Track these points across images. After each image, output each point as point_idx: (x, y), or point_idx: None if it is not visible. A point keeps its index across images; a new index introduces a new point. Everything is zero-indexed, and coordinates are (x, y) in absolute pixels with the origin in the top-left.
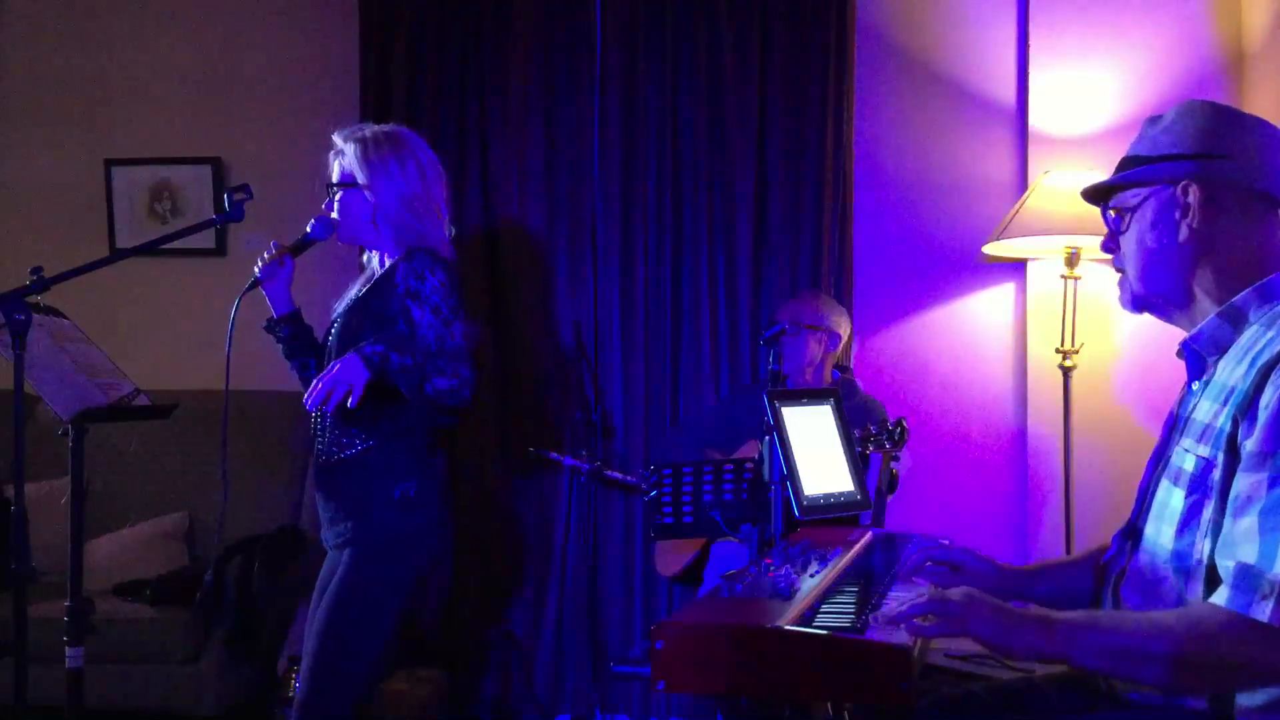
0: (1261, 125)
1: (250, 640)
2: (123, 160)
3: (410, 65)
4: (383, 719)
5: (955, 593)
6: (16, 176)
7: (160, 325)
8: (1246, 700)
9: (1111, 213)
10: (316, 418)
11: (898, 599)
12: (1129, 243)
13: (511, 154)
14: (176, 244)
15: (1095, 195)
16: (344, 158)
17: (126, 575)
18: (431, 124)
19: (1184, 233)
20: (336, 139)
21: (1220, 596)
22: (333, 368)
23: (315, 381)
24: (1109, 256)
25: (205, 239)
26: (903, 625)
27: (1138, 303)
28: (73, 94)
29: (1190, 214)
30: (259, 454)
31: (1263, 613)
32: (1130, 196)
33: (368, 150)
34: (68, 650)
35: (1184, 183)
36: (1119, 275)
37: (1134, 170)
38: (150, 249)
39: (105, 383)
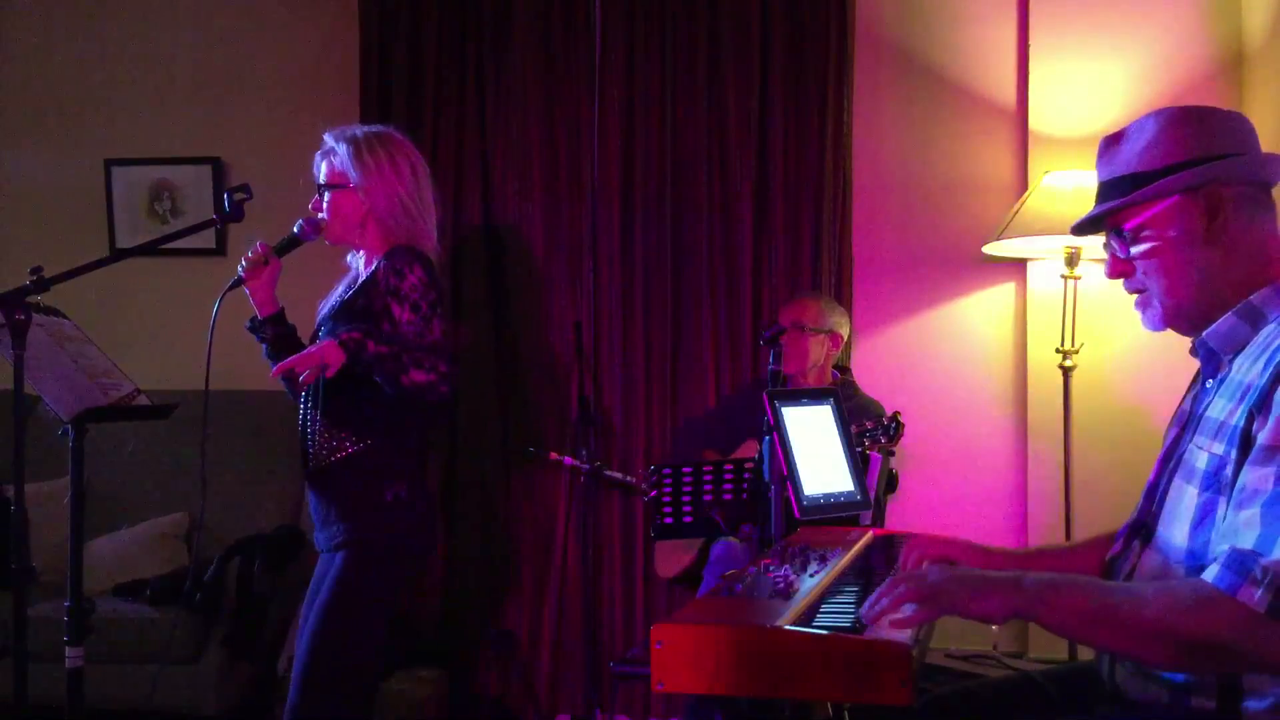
0: (1239, 117)
1: (250, 640)
2: (123, 160)
3: (410, 65)
4: (383, 719)
5: (922, 573)
6: (16, 176)
7: (160, 325)
8: (1254, 704)
9: (1117, 237)
10: (306, 422)
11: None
12: (1151, 262)
13: (511, 154)
14: (176, 244)
15: (1091, 224)
16: (335, 158)
17: (126, 575)
18: (431, 124)
19: (1208, 238)
20: (328, 139)
21: (1209, 574)
22: (309, 349)
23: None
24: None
25: (205, 239)
26: (880, 620)
27: (1169, 319)
28: (73, 94)
29: (1212, 218)
30: (259, 454)
31: (1250, 597)
32: (1144, 215)
33: (360, 150)
34: (68, 650)
35: (1202, 188)
36: (1136, 297)
37: (1151, 187)
38: (150, 249)
39: (105, 383)
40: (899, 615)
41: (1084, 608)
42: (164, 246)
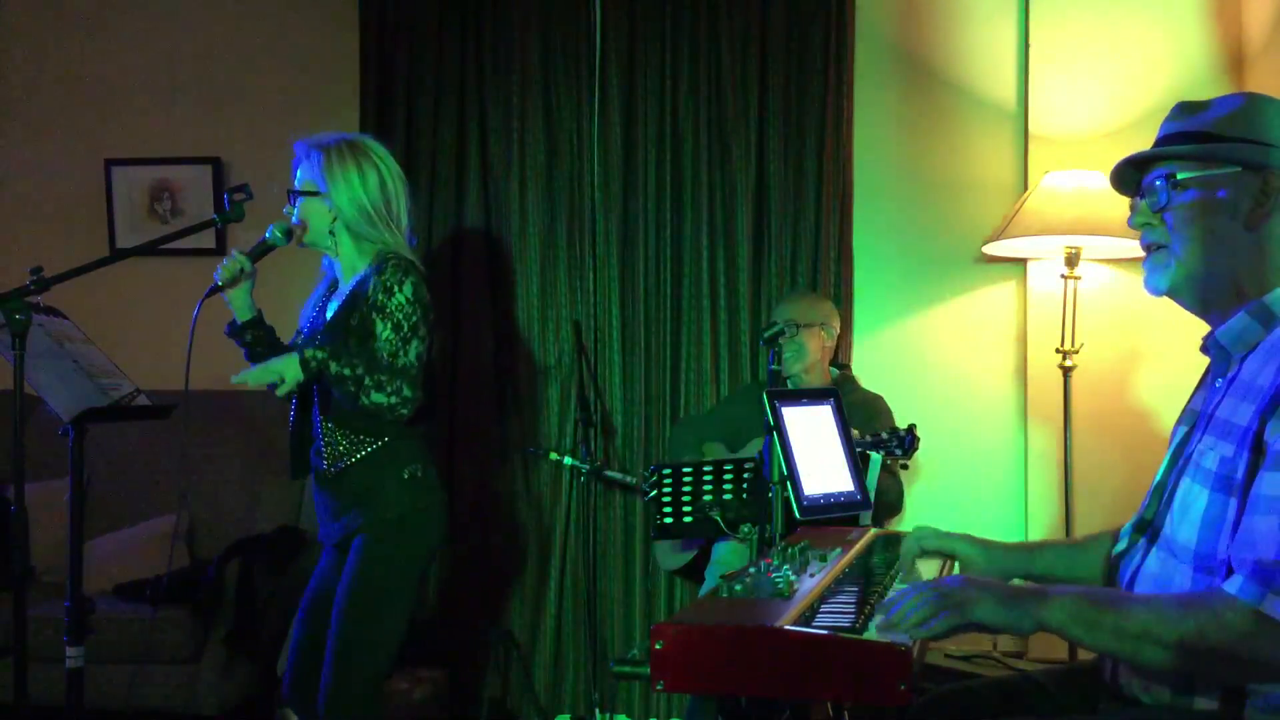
0: None
1: (250, 640)
2: (123, 160)
3: (410, 65)
4: (383, 719)
5: (949, 583)
6: (16, 176)
7: (160, 325)
8: (1257, 705)
9: (1164, 182)
10: (315, 428)
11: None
12: (1186, 218)
13: (511, 154)
14: (176, 244)
15: (1139, 164)
16: (307, 166)
17: (126, 575)
18: (431, 123)
19: (1252, 220)
20: (298, 148)
21: (1232, 586)
22: (268, 363)
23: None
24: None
25: (205, 239)
26: (906, 630)
27: (1176, 284)
28: (73, 94)
29: (1261, 201)
30: (259, 454)
31: (1275, 609)
32: (1202, 172)
33: (330, 160)
34: (68, 650)
35: (1267, 169)
36: (1150, 253)
37: (1222, 145)
38: (150, 249)
39: (105, 383)
40: (923, 630)
41: (1112, 624)
42: (164, 246)
